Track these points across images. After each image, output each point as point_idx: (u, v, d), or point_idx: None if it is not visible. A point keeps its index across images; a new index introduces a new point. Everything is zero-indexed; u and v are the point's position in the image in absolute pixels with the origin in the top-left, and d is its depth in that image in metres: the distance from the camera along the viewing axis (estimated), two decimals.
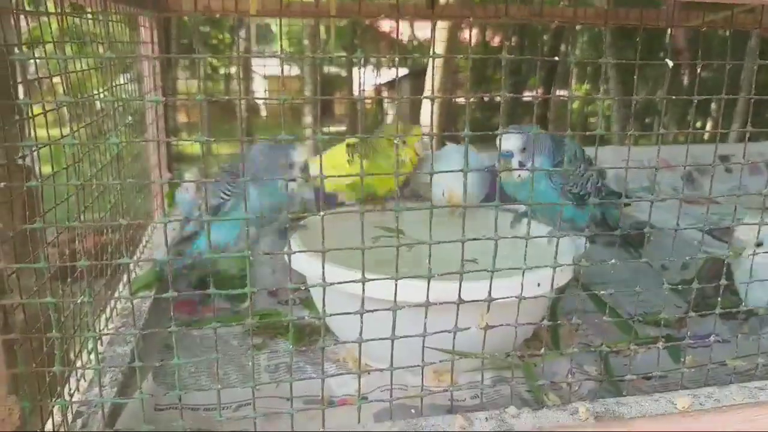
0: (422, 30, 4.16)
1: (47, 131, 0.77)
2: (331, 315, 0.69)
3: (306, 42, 3.74)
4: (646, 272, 1.42)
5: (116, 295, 1.20)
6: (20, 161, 0.70)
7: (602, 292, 0.81)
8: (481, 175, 1.38)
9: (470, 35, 0.81)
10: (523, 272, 0.73)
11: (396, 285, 0.69)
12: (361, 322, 0.68)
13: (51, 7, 0.87)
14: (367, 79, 3.91)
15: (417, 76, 4.96)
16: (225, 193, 1.14)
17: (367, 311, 0.68)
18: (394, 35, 3.74)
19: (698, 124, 4.50)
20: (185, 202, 1.55)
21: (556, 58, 0.73)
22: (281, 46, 0.69)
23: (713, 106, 4.17)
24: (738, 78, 3.13)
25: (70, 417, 0.80)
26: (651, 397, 0.80)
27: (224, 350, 1.12)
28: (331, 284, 0.68)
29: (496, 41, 4.64)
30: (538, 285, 0.89)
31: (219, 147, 2.63)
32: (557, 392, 0.95)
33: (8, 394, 0.66)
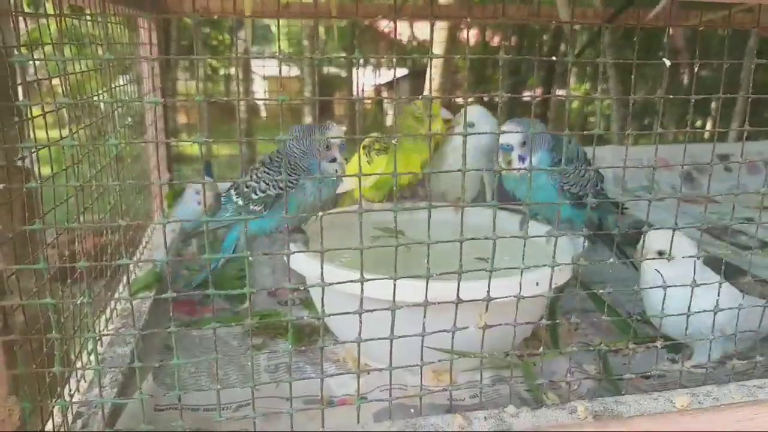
0: (421, 30, 4.15)
1: (47, 133, 0.77)
2: (330, 315, 0.69)
3: (305, 43, 3.74)
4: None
5: (116, 296, 1.20)
6: (19, 163, 0.71)
7: (601, 291, 0.81)
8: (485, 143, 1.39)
9: (468, 35, 0.81)
10: (522, 271, 0.73)
11: (395, 285, 0.69)
12: (360, 322, 0.68)
13: (50, 9, 0.87)
14: (366, 80, 3.91)
15: (416, 76, 4.95)
16: (288, 184, 1.08)
17: (366, 311, 0.68)
18: (393, 36, 3.74)
19: (698, 124, 4.50)
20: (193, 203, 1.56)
21: (554, 58, 0.73)
22: (279, 46, 0.69)
23: (713, 105, 4.17)
24: (737, 77, 3.13)
25: (70, 417, 0.80)
26: (650, 396, 0.80)
27: (224, 350, 1.12)
28: (330, 284, 0.68)
29: (495, 41, 4.64)
30: (537, 284, 0.90)
31: (219, 148, 2.64)
32: (556, 391, 0.95)
33: (8, 395, 0.66)
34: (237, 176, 1.97)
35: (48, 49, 0.81)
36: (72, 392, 0.85)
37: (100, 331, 1.02)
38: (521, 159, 1.16)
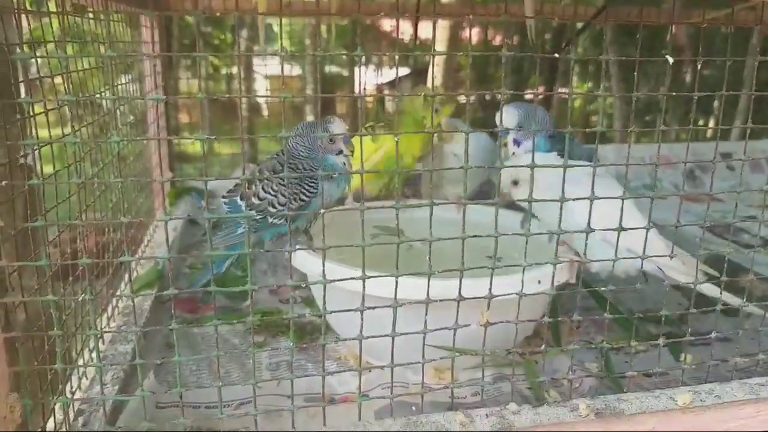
0: (424, 29, 4.15)
1: (49, 131, 0.77)
2: (331, 312, 0.69)
3: (307, 41, 3.74)
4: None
5: (118, 293, 1.20)
6: (22, 160, 0.71)
7: (603, 289, 0.81)
8: (481, 148, 1.39)
9: (470, 34, 0.81)
10: (524, 269, 0.73)
11: (396, 282, 0.69)
12: (362, 320, 0.68)
13: (52, 7, 0.87)
14: (368, 79, 3.91)
15: (418, 75, 4.95)
16: (307, 193, 1.07)
17: (368, 308, 0.68)
18: (395, 34, 3.73)
19: (701, 122, 4.49)
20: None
21: (556, 55, 0.73)
22: (281, 44, 0.69)
23: (715, 103, 4.16)
24: (741, 75, 3.12)
25: (71, 415, 0.80)
26: (652, 394, 0.80)
27: (225, 348, 1.12)
28: (331, 281, 0.68)
29: (497, 40, 4.63)
30: (539, 282, 0.89)
31: (220, 147, 2.64)
32: (558, 389, 0.95)
33: (10, 392, 0.67)
34: (239, 174, 1.96)
35: (50, 46, 0.81)
36: (73, 389, 0.85)
37: (101, 329, 1.02)
38: (516, 143, 1.15)
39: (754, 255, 0.91)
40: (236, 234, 1.09)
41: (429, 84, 3.74)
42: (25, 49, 0.75)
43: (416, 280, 0.74)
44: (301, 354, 1.09)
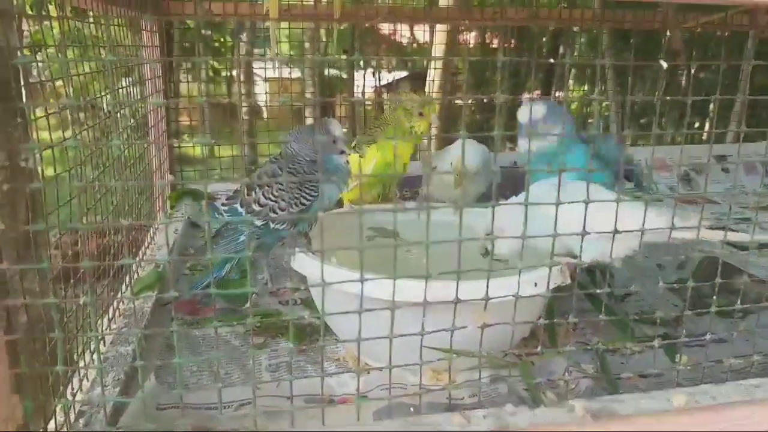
0: (422, 32, 4.16)
1: (50, 133, 0.78)
2: (330, 314, 0.70)
3: (306, 45, 3.75)
4: (644, 271, 1.43)
5: (119, 295, 1.20)
6: (23, 163, 0.71)
7: (599, 290, 0.82)
8: (483, 155, 1.39)
9: (468, 38, 0.82)
10: (520, 272, 0.74)
11: (394, 284, 0.70)
12: (360, 322, 0.69)
13: (53, 11, 0.88)
14: (367, 82, 3.92)
15: (417, 78, 4.97)
16: (308, 197, 1.07)
17: (366, 310, 0.68)
18: (393, 38, 3.75)
19: (696, 124, 4.50)
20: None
21: (552, 61, 0.74)
22: (276, 49, 0.70)
23: (710, 106, 4.18)
24: (736, 78, 3.14)
25: (72, 416, 0.81)
26: (647, 395, 0.81)
27: (226, 350, 1.12)
28: (330, 284, 0.69)
29: (495, 43, 4.65)
30: (535, 284, 0.90)
31: (221, 149, 2.64)
32: (554, 390, 0.96)
33: (12, 394, 0.67)
34: (239, 176, 1.97)
35: (51, 50, 0.82)
36: (75, 391, 0.86)
37: (102, 331, 1.03)
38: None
39: (749, 257, 0.92)
40: (238, 242, 1.10)
41: (427, 88, 3.76)
42: (26, 52, 0.75)
43: (414, 283, 0.75)
44: (300, 355, 1.10)
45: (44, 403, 0.72)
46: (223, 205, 1.17)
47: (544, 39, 4.54)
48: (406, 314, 0.70)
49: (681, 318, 1.08)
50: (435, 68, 3.79)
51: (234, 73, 4.10)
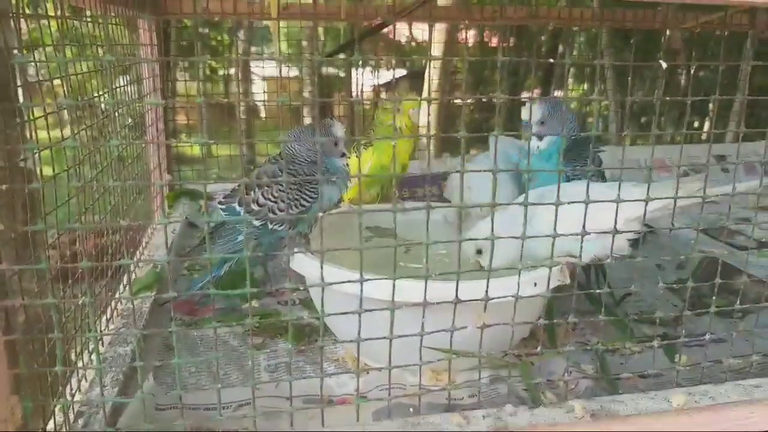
0: (420, 30, 4.16)
1: (48, 133, 0.78)
2: (329, 315, 0.70)
3: (305, 43, 3.74)
4: (643, 271, 1.43)
5: (117, 296, 1.20)
6: (21, 164, 0.71)
7: (599, 291, 0.82)
8: (513, 177, 1.39)
9: (466, 37, 0.82)
10: (519, 272, 0.74)
11: (394, 285, 0.70)
12: (359, 322, 0.69)
13: (50, 9, 0.88)
14: (365, 80, 3.92)
15: (415, 76, 4.97)
16: (308, 199, 1.06)
17: (365, 311, 0.68)
18: (391, 36, 3.74)
19: (696, 123, 4.51)
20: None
21: (551, 60, 0.74)
22: (279, 48, 0.70)
23: (710, 105, 4.18)
24: (736, 77, 3.15)
25: (71, 417, 0.81)
26: (647, 395, 0.81)
27: (224, 350, 1.12)
28: (330, 284, 0.69)
29: (494, 42, 4.65)
30: (535, 285, 0.90)
31: (219, 148, 2.64)
32: (554, 391, 0.96)
33: (11, 394, 0.67)
34: (237, 176, 1.97)
35: (49, 49, 0.81)
36: (73, 391, 0.86)
37: (101, 331, 1.03)
38: (537, 137, 1.20)
39: (748, 257, 0.92)
40: (236, 242, 1.09)
41: (426, 87, 3.76)
42: (24, 51, 0.75)
43: (414, 283, 0.75)
44: (299, 356, 1.09)
45: (43, 403, 0.72)
46: (220, 203, 1.16)
47: (543, 38, 4.54)
48: (405, 314, 0.70)
49: (680, 318, 1.08)
50: (434, 67, 3.79)
51: (232, 71, 4.10)
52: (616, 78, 3.63)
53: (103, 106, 1.14)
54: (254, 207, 1.07)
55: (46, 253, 0.72)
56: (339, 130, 1.07)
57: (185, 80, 2.49)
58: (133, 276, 1.30)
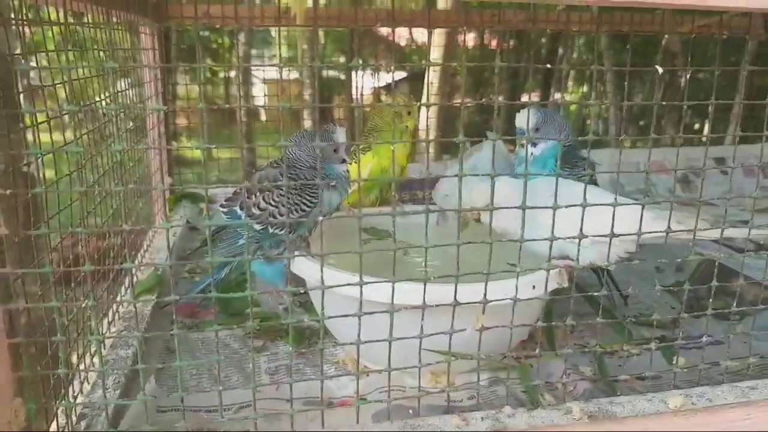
0: (420, 33, 4.17)
1: (50, 136, 0.78)
2: (329, 317, 0.70)
3: (305, 47, 3.76)
4: (641, 274, 1.44)
5: (118, 299, 1.21)
6: (24, 168, 0.72)
7: (597, 293, 0.82)
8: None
9: (464, 40, 0.82)
10: (518, 275, 0.75)
11: (393, 288, 0.70)
12: (359, 325, 0.69)
13: (52, 15, 0.88)
14: (365, 83, 3.93)
15: (415, 79, 4.98)
16: (308, 203, 1.06)
17: (365, 314, 0.69)
18: (391, 39, 3.76)
19: (696, 125, 4.51)
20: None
21: (549, 66, 0.75)
22: (280, 53, 0.71)
23: (709, 108, 4.19)
24: (735, 79, 3.16)
25: (74, 418, 0.81)
26: (644, 397, 0.82)
27: (225, 353, 1.13)
28: (330, 287, 0.69)
29: (493, 44, 4.66)
30: (533, 287, 0.91)
31: (219, 151, 2.65)
32: (552, 392, 0.96)
33: (14, 396, 0.68)
34: (238, 179, 1.97)
35: (51, 53, 0.82)
36: (76, 394, 0.86)
37: (103, 334, 1.03)
38: (532, 143, 1.21)
39: (744, 259, 0.92)
40: (237, 245, 1.10)
41: (425, 90, 3.77)
42: (27, 56, 0.76)
43: (413, 286, 0.76)
44: (299, 358, 1.10)
45: (46, 405, 0.73)
46: (221, 206, 1.16)
47: (542, 40, 4.55)
48: (405, 317, 0.71)
49: (678, 320, 1.09)
50: (434, 70, 3.80)
51: (232, 74, 4.11)
52: (616, 79, 3.64)
53: (104, 110, 1.14)
54: (255, 211, 1.07)
55: (49, 257, 0.72)
56: (340, 136, 1.08)
57: (186, 83, 2.50)
58: (135, 279, 1.31)
